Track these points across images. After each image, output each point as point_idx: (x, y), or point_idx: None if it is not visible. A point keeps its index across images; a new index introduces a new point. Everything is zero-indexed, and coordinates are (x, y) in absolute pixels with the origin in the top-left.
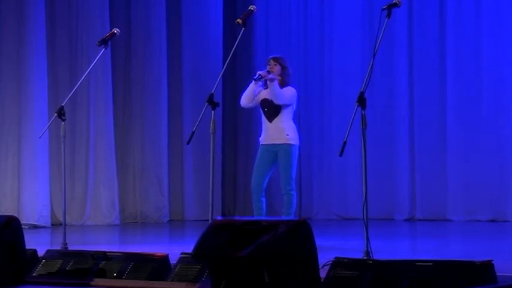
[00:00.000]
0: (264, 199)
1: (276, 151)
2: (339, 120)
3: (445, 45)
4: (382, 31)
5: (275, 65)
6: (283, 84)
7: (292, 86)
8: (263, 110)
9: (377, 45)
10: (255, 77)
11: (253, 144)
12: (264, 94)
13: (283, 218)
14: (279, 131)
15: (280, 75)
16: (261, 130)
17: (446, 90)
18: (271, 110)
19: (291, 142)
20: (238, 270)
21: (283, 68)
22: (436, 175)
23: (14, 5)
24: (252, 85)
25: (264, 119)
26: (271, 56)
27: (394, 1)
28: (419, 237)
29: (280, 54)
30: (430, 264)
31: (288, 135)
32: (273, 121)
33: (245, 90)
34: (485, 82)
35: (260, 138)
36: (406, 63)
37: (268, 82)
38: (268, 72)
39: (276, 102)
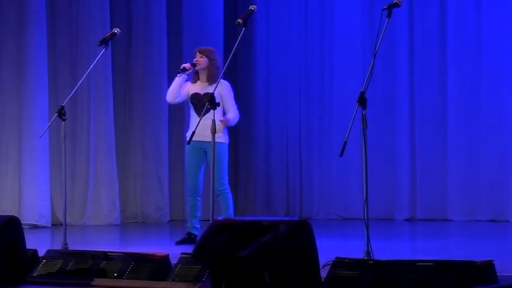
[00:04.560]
0: (199, 198)
1: (205, 148)
2: (340, 120)
3: (446, 45)
4: (382, 31)
5: (201, 57)
6: (211, 79)
7: (223, 79)
8: (193, 105)
9: (378, 45)
10: (179, 70)
11: (254, 145)
12: (195, 88)
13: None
14: (208, 128)
15: (207, 67)
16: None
17: (447, 90)
18: (203, 105)
19: (220, 140)
20: (238, 271)
21: (210, 60)
22: (436, 175)
23: (14, 5)
24: (176, 79)
25: (193, 114)
26: (197, 48)
27: (394, 1)
28: (420, 237)
29: (208, 46)
30: (431, 264)
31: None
32: (203, 117)
33: (170, 85)
34: (486, 82)
35: (187, 134)
36: (406, 63)
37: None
38: (194, 64)
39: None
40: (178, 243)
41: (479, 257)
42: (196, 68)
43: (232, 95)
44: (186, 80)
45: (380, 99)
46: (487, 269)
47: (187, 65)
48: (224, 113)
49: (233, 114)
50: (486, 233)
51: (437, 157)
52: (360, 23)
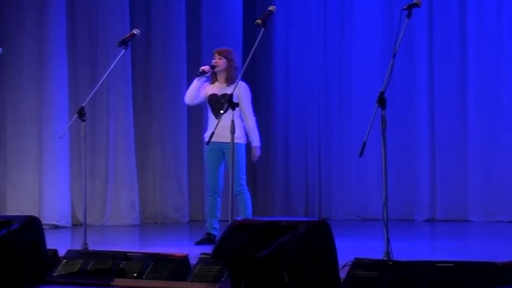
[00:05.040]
0: (219, 199)
1: (223, 149)
2: (359, 121)
3: (466, 45)
4: (402, 31)
5: (219, 58)
6: (229, 80)
7: (242, 80)
8: (211, 106)
9: (397, 45)
10: (197, 73)
11: (273, 145)
12: (212, 89)
13: (302, 218)
14: (227, 129)
15: (225, 69)
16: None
17: (468, 90)
18: (220, 106)
19: (237, 141)
20: (258, 271)
21: (228, 61)
22: (456, 175)
23: (35, 5)
24: (195, 82)
25: (210, 115)
26: (215, 49)
27: (414, 1)
28: (440, 238)
29: (227, 47)
30: (451, 265)
31: (236, 133)
32: (222, 118)
33: (188, 87)
34: (506, 82)
35: (205, 135)
36: (426, 63)
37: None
38: (212, 66)
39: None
40: (198, 243)
41: (499, 258)
42: (215, 70)
43: (250, 97)
44: (205, 81)
45: (400, 99)
46: (507, 270)
47: (206, 68)
48: (240, 114)
49: (252, 124)
50: (507, 233)
51: (457, 157)
52: (379, 23)
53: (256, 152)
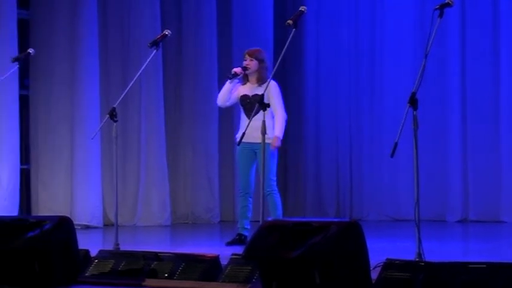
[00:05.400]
0: (251, 199)
1: (255, 150)
2: (390, 121)
3: (498, 44)
4: (434, 31)
5: (251, 60)
6: (260, 80)
7: (273, 80)
8: (243, 106)
9: (429, 45)
10: (229, 75)
11: (303, 146)
12: (244, 90)
13: (334, 219)
14: (258, 129)
15: (257, 70)
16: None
17: (500, 90)
18: (252, 106)
19: (270, 141)
20: (289, 272)
21: (259, 61)
22: (489, 176)
23: (67, 5)
24: (227, 84)
25: (243, 115)
26: (246, 50)
27: (446, 1)
28: (472, 239)
29: (257, 47)
30: (483, 266)
31: (267, 134)
32: (253, 118)
33: (220, 89)
34: None
35: (237, 136)
36: (458, 63)
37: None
38: (244, 68)
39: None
40: (229, 244)
41: None
42: (247, 71)
43: (280, 96)
44: (237, 83)
45: (431, 100)
46: None
47: (238, 70)
48: (273, 115)
49: (280, 118)
50: None
51: (489, 157)
52: (411, 23)
53: (276, 142)
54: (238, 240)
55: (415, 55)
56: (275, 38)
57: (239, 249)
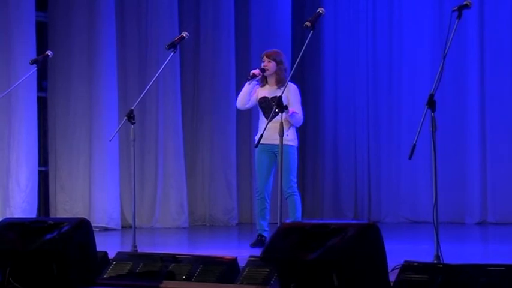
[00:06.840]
0: (269, 201)
1: (274, 151)
2: (408, 123)
3: None
4: (452, 33)
5: (269, 61)
6: (279, 82)
7: (291, 82)
8: (262, 108)
9: (447, 47)
10: (248, 77)
11: (321, 147)
12: (263, 92)
13: (352, 221)
14: (277, 131)
15: (275, 72)
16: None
17: None
18: (270, 108)
19: (289, 143)
20: (307, 274)
21: (278, 63)
22: (508, 178)
23: (85, 6)
24: (246, 86)
25: (261, 117)
26: (264, 52)
27: (465, 2)
28: (491, 241)
29: (275, 48)
30: (503, 268)
31: (287, 136)
32: (271, 120)
33: (239, 91)
34: None
35: (255, 138)
36: (477, 65)
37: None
38: (262, 70)
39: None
40: (253, 245)
41: None
42: (265, 73)
43: (299, 98)
44: (256, 85)
45: (450, 101)
46: None
47: (256, 71)
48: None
49: (297, 113)
50: None
51: (508, 159)
52: (429, 24)
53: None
54: (260, 241)
55: (433, 56)
56: (293, 39)
57: (257, 251)
